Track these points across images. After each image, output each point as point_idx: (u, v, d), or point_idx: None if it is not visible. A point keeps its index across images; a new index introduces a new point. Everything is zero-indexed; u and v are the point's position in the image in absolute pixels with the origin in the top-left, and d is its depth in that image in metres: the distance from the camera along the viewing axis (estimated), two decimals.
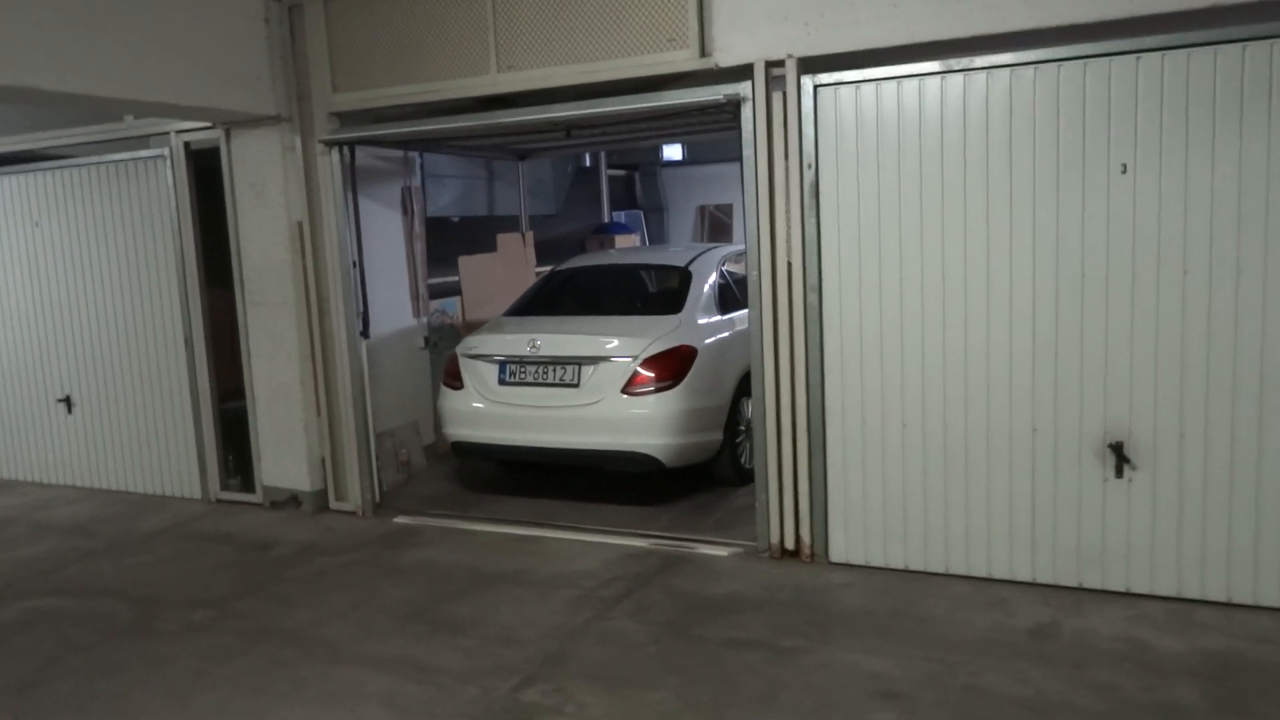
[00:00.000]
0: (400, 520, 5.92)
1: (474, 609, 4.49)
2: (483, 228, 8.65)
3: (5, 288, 7.22)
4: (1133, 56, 4.02)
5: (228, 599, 4.79)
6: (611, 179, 10.98)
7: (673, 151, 10.98)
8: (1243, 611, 4.04)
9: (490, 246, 8.36)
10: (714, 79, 4.81)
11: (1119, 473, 4.23)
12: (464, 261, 7.89)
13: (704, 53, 4.77)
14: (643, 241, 10.68)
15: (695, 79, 4.87)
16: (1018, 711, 3.37)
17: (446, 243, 7.87)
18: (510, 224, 8.86)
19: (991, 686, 3.54)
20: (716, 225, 11.74)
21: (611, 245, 9.65)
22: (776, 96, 4.66)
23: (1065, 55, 4.12)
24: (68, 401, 7.09)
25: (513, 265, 8.45)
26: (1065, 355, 4.27)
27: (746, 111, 4.71)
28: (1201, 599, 4.14)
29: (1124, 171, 4.09)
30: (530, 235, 8.76)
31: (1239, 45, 3.87)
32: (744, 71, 4.71)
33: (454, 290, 7.90)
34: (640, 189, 11.69)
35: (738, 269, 6.75)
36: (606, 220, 10.76)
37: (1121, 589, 4.27)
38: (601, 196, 10.79)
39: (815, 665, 3.78)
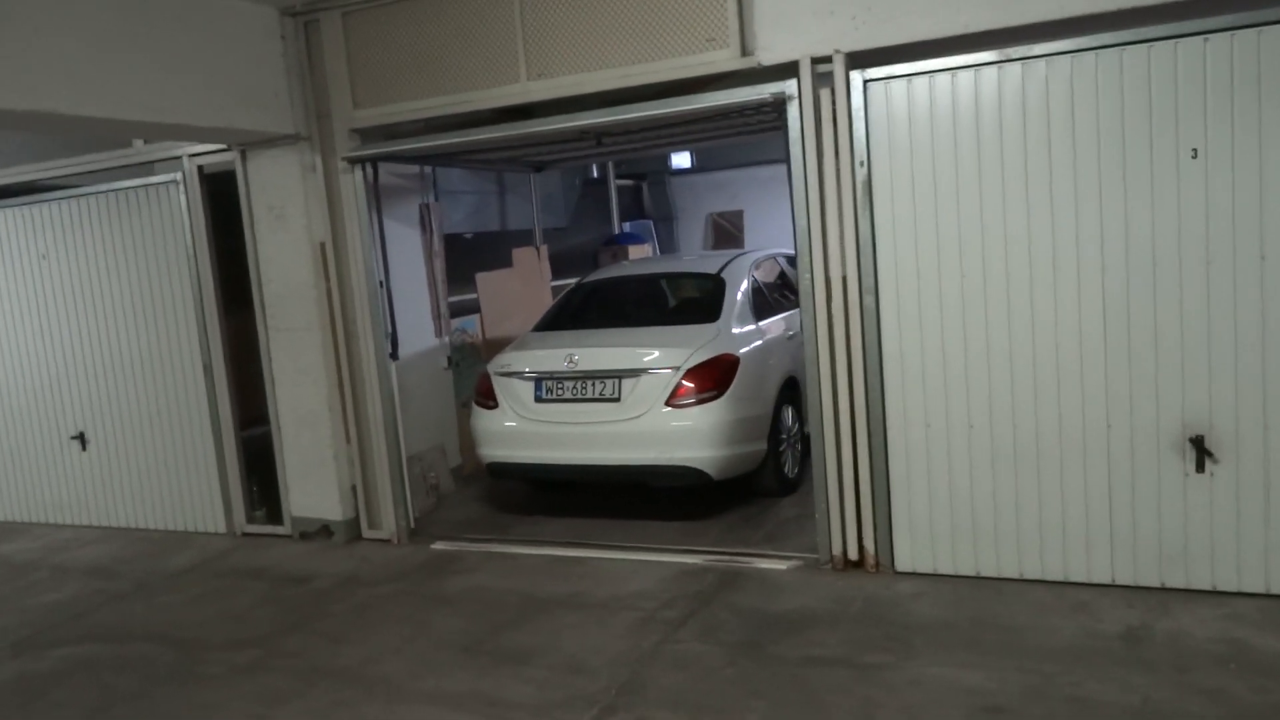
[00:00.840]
0: (438, 546, 5.72)
1: (534, 637, 4.30)
2: (497, 243, 8.48)
3: (13, 323, 6.99)
4: (1200, 38, 3.90)
5: (271, 637, 4.59)
6: (620, 189, 10.83)
7: (681, 159, 10.84)
8: None
9: (505, 262, 8.20)
10: (757, 78, 4.67)
11: (1200, 467, 4.09)
12: (481, 278, 7.72)
13: (745, 51, 4.63)
14: (654, 252, 10.53)
15: (736, 79, 4.72)
16: None
17: (461, 259, 7.69)
18: (524, 238, 8.70)
19: (1096, 696, 3.38)
20: (723, 234, 11.59)
21: (625, 257, 9.50)
22: (824, 93, 4.52)
23: (1128, 40, 4.00)
24: (81, 439, 6.87)
25: (529, 280, 8.29)
26: (1139, 348, 4.13)
27: (793, 110, 4.57)
28: None
29: (1194, 156, 3.96)
30: (545, 249, 8.60)
31: None
32: (788, 69, 4.57)
33: (472, 308, 7.72)
34: (649, 198, 11.55)
35: (763, 274, 6.63)
36: (617, 231, 10.61)
37: (1208, 587, 4.12)
38: (611, 207, 10.63)
39: (905, 682, 3.61)
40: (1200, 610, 3.98)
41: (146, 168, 6.31)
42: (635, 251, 9.78)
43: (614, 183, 10.65)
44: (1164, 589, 4.18)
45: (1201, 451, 4.08)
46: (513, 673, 3.97)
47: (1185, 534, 4.14)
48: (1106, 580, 4.28)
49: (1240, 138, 3.89)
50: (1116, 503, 4.23)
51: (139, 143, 6.25)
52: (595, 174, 10.44)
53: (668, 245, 11.37)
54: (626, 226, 11.03)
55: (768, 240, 10.13)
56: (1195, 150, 3.96)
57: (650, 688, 3.74)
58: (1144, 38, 3.97)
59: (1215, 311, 4.00)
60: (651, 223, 11.23)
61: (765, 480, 5.86)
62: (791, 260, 7.30)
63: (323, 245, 5.79)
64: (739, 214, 11.17)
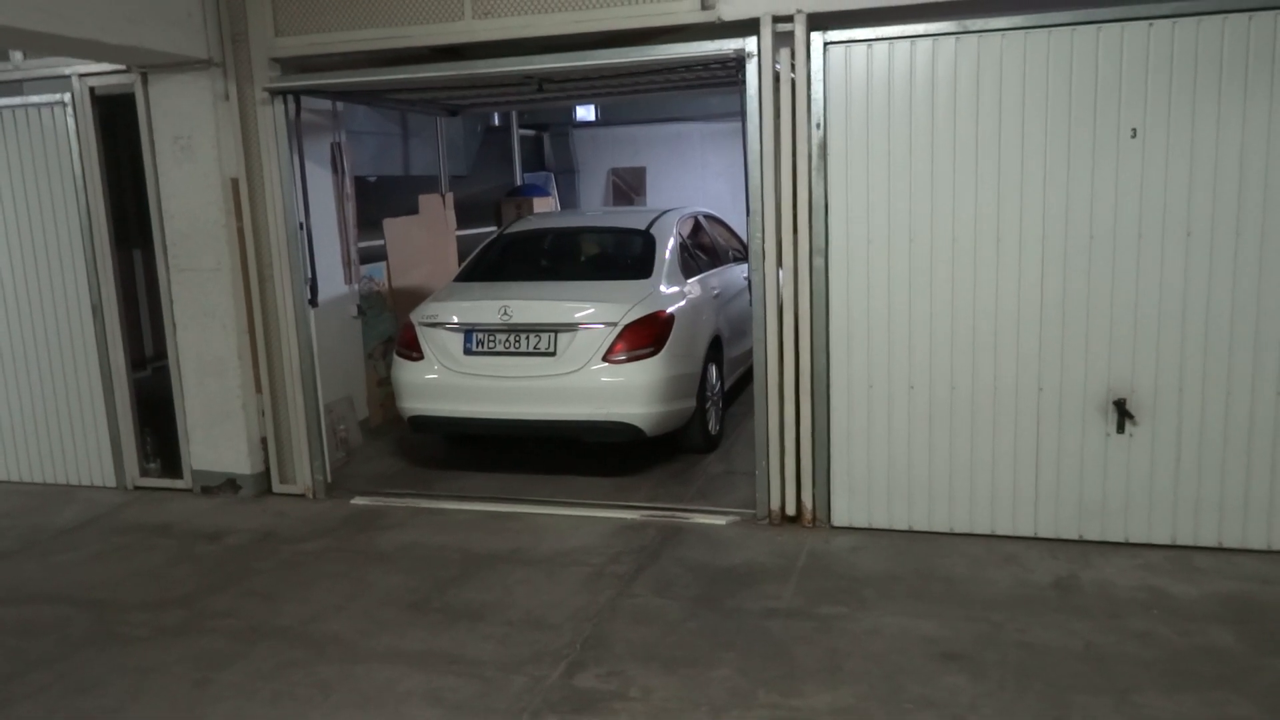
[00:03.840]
0: (359, 502, 5.51)
1: (484, 593, 4.22)
2: (401, 188, 8.14)
3: None
4: (1145, 23, 4.11)
5: (195, 597, 4.32)
6: (521, 139, 10.55)
7: (585, 112, 10.65)
8: (1237, 555, 4.28)
9: (410, 208, 7.88)
10: (716, 32, 4.62)
11: (1120, 428, 4.39)
12: (389, 224, 7.40)
13: (705, 4, 4.58)
14: (555, 206, 10.35)
15: (694, 32, 4.66)
16: (1079, 665, 3.44)
17: (365, 204, 7.35)
18: (428, 185, 8.38)
19: (1043, 642, 3.61)
20: (619, 194, 11.47)
21: (529, 209, 9.29)
22: (783, 53, 4.52)
23: (1080, 19, 4.17)
24: None
25: (435, 228, 8.01)
26: (1072, 315, 4.37)
27: (751, 68, 4.55)
28: (1195, 545, 4.36)
29: (1134, 136, 4.19)
30: (450, 196, 8.32)
31: (1245, 15, 4.01)
32: (749, 26, 4.54)
33: (379, 255, 7.40)
34: (550, 150, 11.30)
35: (686, 232, 6.64)
36: (519, 182, 10.36)
37: (1120, 539, 4.44)
38: (513, 157, 10.35)
39: (865, 632, 3.74)
40: (1117, 560, 4.29)
41: (29, 85, 5.70)
42: (539, 204, 9.59)
43: (516, 132, 10.37)
44: (1082, 541, 4.48)
45: (1123, 413, 4.37)
46: (471, 629, 3.89)
47: (1104, 490, 4.45)
48: (1030, 533, 4.55)
49: (1175, 120, 4.14)
50: (1043, 461, 4.50)
51: (17, 56, 5.64)
52: (497, 121, 10.14)
53: (568, 199, 11.20)
54: (529, 178, 10.78)
55: (669, 200, 10.13)
56: (1134, 130, 4.19)
57: (616, 641, 3.74)
58: (1094, 19, 4.16)
59: (1144, 283, 4.27)
60: (552, 175, 11.01)
61: (692, 437, 5.91)
62: (710, 219, 7.36)
63: (235, 181, 5.41)
64: (641, 171, 11.10)
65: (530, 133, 11.04)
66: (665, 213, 6.61)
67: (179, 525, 5.28)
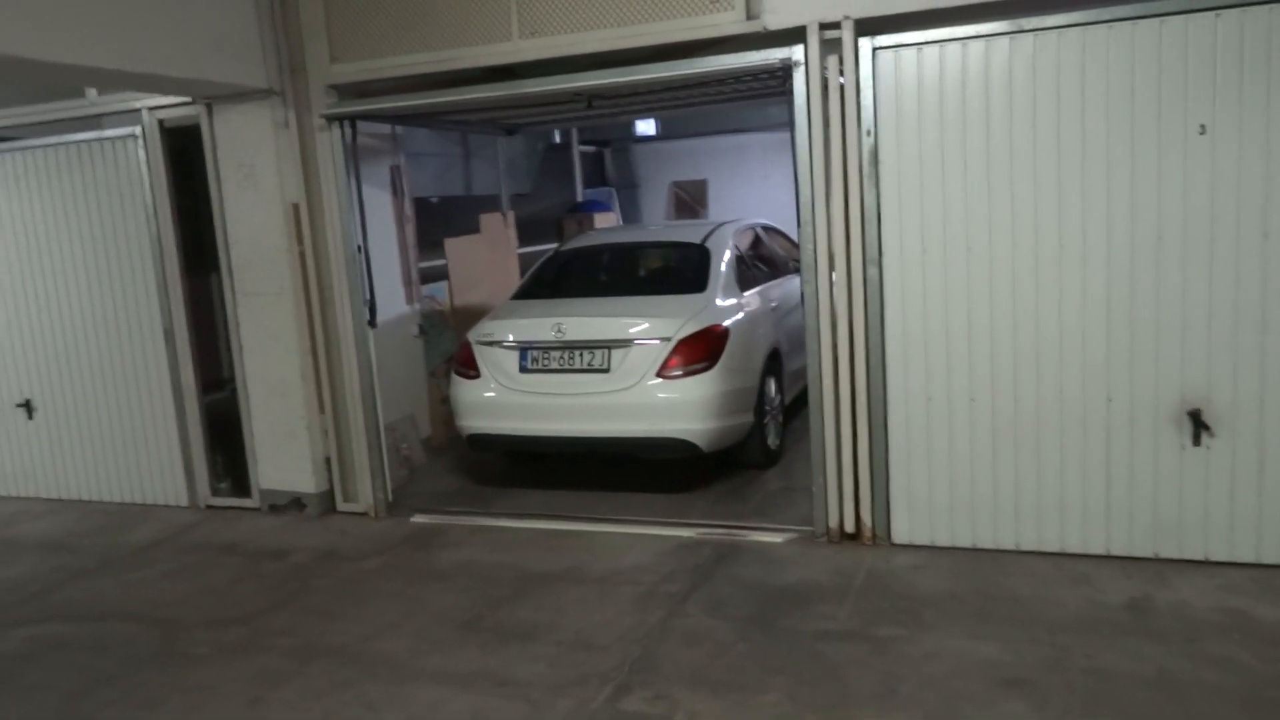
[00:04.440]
0: (420, 520, 5.57)
1: (536, 612, 4.21)
2: (463, 208, 8.24)
3: None
4: (1211, 13, 3.92)
5: (257, 615, 4.41)
6: (582, 155, 10.61)
7: (646, 126, 10.66)
8: None
9: (472, 228, 7.98)
10: (761, 42, 4.56)
11: (1196, 440, 4.16)
12: (450, 244, 7.51)
13: (751, 14, 4.52)
14: (618, 220, 10.36)
15: (740, 43, 4.61)
16: (1150, 693, 3.26)
17: (428, 224, 7.47)
18: (490, 204, 8.49)
19: (1113, 667, 3.43)
20: (681, 205, 11.45)
21: (590, 225, 9.32)
22: (831, 60, 4.44)
23: (1140, 14, 4.00)
24: (28, 406, 6.51)
25: (497, 246, 8.09)
26: (1140, 323, 4.17)
27: (799, 77, 4.48)
28: None
29: (1202, 132, 3.99)
30: (512, 215, 8.40)
31: None
32: (795, 35, 4.47)
33: (440, 274, 7.51)
34: (611, 165, 11.34)
35: (743, 244, 6.56)
36: (580, 198, 10.41)
37: (1200, 557, 4.21)
38: (574, 173, 10.41)
39: (923, 655, 3.61)
40: (1196, 580, 4.06)
41: (104, 120, 5.94)
42: (601, 219, 9.62)
43: (577, 148, 10.43)
44: (1157, 559, 4.26)
45: (1199, 425, 4.15)
46: (520, 650, 3.87)
47: (1180, 505, 4.22)
48: (1102, 551, 4.35)
49: (1248, 115, 3.93)
50: (1114, 475, 4.29)
51: (92, 93, 5.88)
52: (558, 139, 10.21)
53: (630, 214, 11.21)
54: (590, 194, 10.84)
55: (731, 212, 10.05)
56: (1203, 126, 3.99)
57: (664, 664, 3.68)
58: (1157, 12, 3.98)
59: (1217, 288, 4.06)
60: (614, 190, 11.04)
61: (750, 452, 5.82)
62: (769, 230, 7.28)
63: (296, 207, 5.53)
64: (702, 184, 11.05)
65: (591, 149, 11.10)
66: (721, 225, 6.55)
67: (245, 544, 5.41)
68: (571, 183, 10.44)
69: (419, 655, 3.89)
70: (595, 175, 11.25)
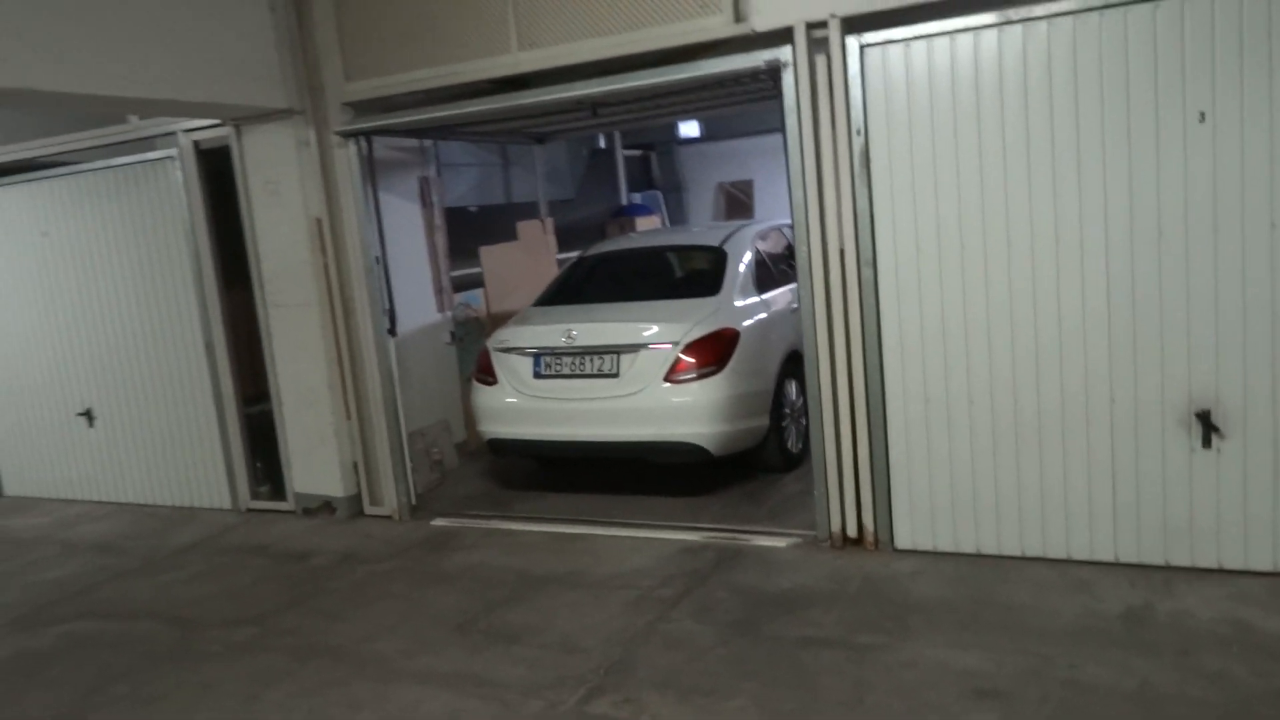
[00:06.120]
0: (439, 523, 5.71)
1: (529, 615, 4.28)
2: (501, 216, 8.40)
3: (18, 301, 7.01)
4: None
5: (270, 615, 4.59)
6: (628, 160, 10.68)
7: (689, 129, 10.66)
8: None
9: (510, 235, 8.12)
10: (751, 45, 4.54)
11: (1206, 442, 3.98)
12: (485, 252, 7.66)
13: (738, 17, 4.51)
14: (664, 223, 10.39)
15: (730, 46, 4.60)
16: (1128, 707, 3.14)
17: (466, 233, 7.64)
18: (529, 211, 8.62)
19: (1094, 680, 3.31)
20: (734, 203, 11.44)
21: (632, 228, 9.38)
22: (820, 60, 4.39)
23: None
24: (88, 415, 6.90)
25: (534, 253, 8.21)
26: (1144, 320, 4.01)
27: (788, 78, 4.44)
28: None
29: (1202, 120, 3.81)
30: (550, 222, 8.51)
31: None
32: (783, 35, 4.44)
33: (476, 282, 7.67)
34: (657, 168, 11.39)
35: (767, 245, 6.51)
36: (625, 202, 10.48)
37: (1213, 565, 4.02)
38: (618, 178, 10.49)
39: (900, 663, 3.55)
40: (1205, 589, 3.88)
41: (148, 143, 6.26)
42: (644, 223, 9.66)
43: (621, 153, 10.50)
44: (1168, 567, 4.09)
45: (1208, 426, 3.96)
46: (505, 652, 3.95)
47: (1191, 511, 4.04)
48: (1109, 558, 4.19)
49: (1250, 100, 3.74)
50: (1120, 479, 4.14)
51: (135, 119, 6.20)
52: (602, 144, 10.30)
53: (677, 216, 11.23)
54: (637, 197, 10.90)
55: (777, 211, 9.96)
56: (1203, 114, 3.81)
57: (641, 668, 3.71)
58: None
59: (1223, 282, 3.87)
60: (660, 193, 11.07)
61: (768, 456, 5.79)
62: None
63: (319, 221, 5.74)
64: (749, 184, 10.99)
65: (637, 152, 11.15)
66: (742, 227, 6.52)
67: (275, 546, 5.63)
68: (616, 187, 10.52)
69: (408, 656, 4.00)
70: (642, 179, 11.30)
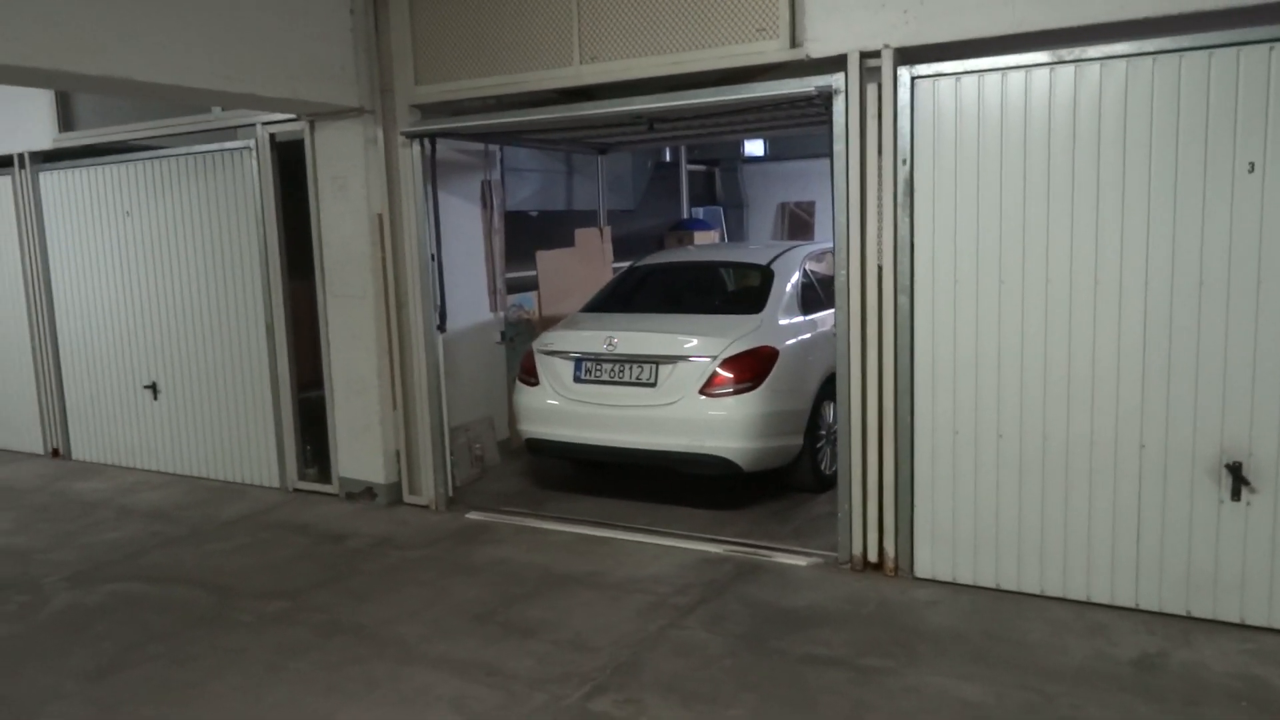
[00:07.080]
0: (473, 516, 5.87)
1: (546, 611, 4.40)
2: (561, 222, 8.57)
3: (98, 275, 7.39)
4: (1265, 46, 3.72)
5: (303, 591, 4.79)
6: (691, 174, 10.80)
7: (754, 147, 10.74)
8: None
9: (567, 241, 8.28)
10: (805, 70, 4.62)
11: (1236, 495, 3.93)
12: (542, 256, 7.82)
13: (795, 43, 4.59)
14: (722, 238, 10.48)
15: (785, 70, 4.69)
16: None
17: (525, 237, 7.81)
18: (589, 219, 8.77)
19: None
20: (797, 223, 11.47)
21: (690, 242, 9.49)
22: (870, 89, 4.46)
23: (1188, 45, 3.83)
24: (153, 388, 7.24)
25: (590, 260, 8.35)
26: (1179, 368, 3.98)
27: (838, 104, 4.51)
28: None
29: (1251, 170, 3.79)
30: (608, 230, 8.65)
31: None
32: (836, 63, 4.51)
33: (531, 285, 7.84)
34: (720, 185, 11.49)
35: (819, 268, 6.55)
36: (685, 216, 10.59)
37: (1235, 620, 3.97)
38: (681, 192, 10.62)
39: (902, 689, 3.58)
40: (1224, 642, 3.84)
41: (229, 133, 6.57)
42: (701, 237, 9.76)
43: (685, 167, 10.62)
44: (1189, 618, 4.04)
45: (1238, 479, 3.92)
46: (518, 645, 4.07)
47: (1216, 562, 3.99)
48: (1130, 604, 4.16)
49: None
50: (1145, 524, 4.10)
51: (218, 109, 6.51)
52: (668, 158, 10.44)
53: (737, 233, 11.30)
54: (699, 212, 11.00)
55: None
56: (1252, 164, 3.78)
57: (647, 670, 3.80)
58: (1205, 44, 3.81)
59: (1263, 335, 3.83)
60: (721, 209, 11.17)
61: (800, 475, 5.83)
62: None
63: (380, 216, 5.96)
64: (811, 205, 11.02)
65: (701, 168, 11.26)
66: (793, 248, 6.58)
67: (316, 526, 5.85)
68: (678, 200, 10.64)
69: (427, 641, 4.15)
70: (705, 194, 11.40)
